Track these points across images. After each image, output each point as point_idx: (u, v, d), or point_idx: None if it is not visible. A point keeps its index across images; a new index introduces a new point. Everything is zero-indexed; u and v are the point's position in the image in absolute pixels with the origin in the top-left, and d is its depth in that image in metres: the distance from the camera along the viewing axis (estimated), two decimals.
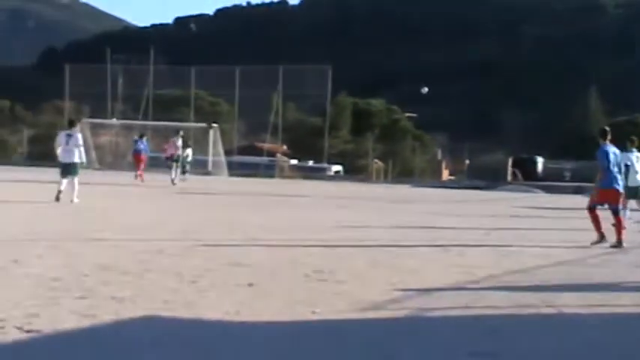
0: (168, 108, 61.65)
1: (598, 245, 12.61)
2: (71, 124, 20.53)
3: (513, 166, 53.06)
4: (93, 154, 46.65)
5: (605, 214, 12.97)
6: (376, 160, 59.37)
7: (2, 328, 5.35)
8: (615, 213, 12.82)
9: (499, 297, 7.67)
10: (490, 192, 40.97)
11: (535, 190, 42.83)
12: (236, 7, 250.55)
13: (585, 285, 8.88)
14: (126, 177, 34.61)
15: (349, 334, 5.85)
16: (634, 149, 18.11)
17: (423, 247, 11.97)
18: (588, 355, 5.70)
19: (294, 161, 61.35)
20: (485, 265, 9.98)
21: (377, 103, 75.29)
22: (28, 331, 5.32)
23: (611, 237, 12.73)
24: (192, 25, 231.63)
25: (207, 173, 47.84)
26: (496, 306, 7.18)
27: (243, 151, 63.79)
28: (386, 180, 54.78)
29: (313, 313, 6.41)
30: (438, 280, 8.53)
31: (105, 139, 57.87)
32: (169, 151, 33.29)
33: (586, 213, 13.12)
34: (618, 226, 12.81)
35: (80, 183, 18.98)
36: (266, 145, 62.62)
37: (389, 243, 12.21)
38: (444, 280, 8.55)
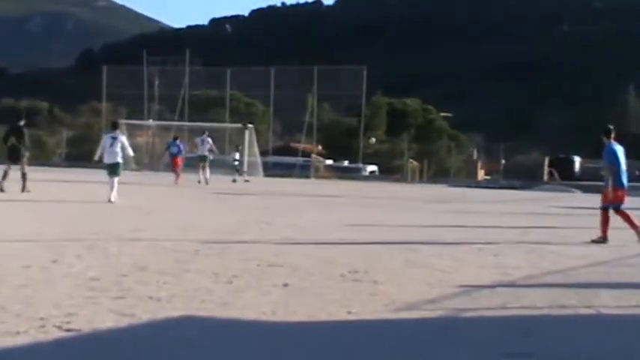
0: (203, 109, 62.01)
1: (604, 244, 12.76)
2: (114, 126, 21.03)
3: (550, 165, 52.68)
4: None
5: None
6: (411, 160, 59.17)
7: (43, 327, 5.43)
8: (617, 210, 13.10)
9: (535, 297, 7.61)
10: (526, 192, 40.70)
11: (572, 189, 42.49)
12: (271, 7, 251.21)
13: (623, 285, 8.79)
14: (162, 178, 34.89)
15: (384, 335, 5.85)
16: None
17: (459, 247, 11.93)
18: (626, 357, 5.64)
19: (329, 161, 61.38)
20: (521, 265, 9.91)
21: (412, 103, 74.97)
22: (67, 330, 5.39)
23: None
24: (228, 26, 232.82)
25: (243, 174, 48.05)
26: (532, 306, 7.13)
27: (278, 151, 63.95)
28: (421, 180, 54.59)
29: (348, 313, 6.42)
30: (473, 280, 8.49)
31: (141, 140, 58.31)
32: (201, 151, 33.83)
33: (616, 213, 13.20)
34: (630, 221, 13.08)
35: (118, 183, 19.35)
36: (301, 146, 62.68)
37: (424, 243, 12.17)
38: (479, 280, 8.51)
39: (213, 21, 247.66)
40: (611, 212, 13.13)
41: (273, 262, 9.22)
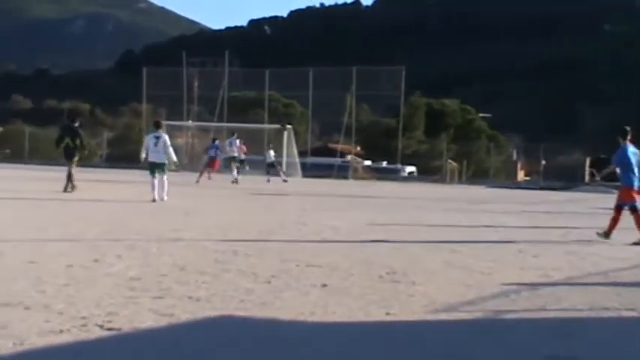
0: (242, 110, 62.27)
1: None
2: (157, 125, 21.32)
3: (591, 166, 52.05)
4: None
5: None
6: (450, 161, 58.86)
7: (85, 326, 5.50)
8: (634, 210, 13.23)
9: (577, 299, 7.53)
10: (567, 193, 40.28)
11: (614, 190, 41.84)
12: (310, 8, 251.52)
13: None
14: (201, 179, 35.10)
15: (423, 336, 5.83)
16: None
17: (498, 248, 11.85)
18: None
19: (367, 162, 61.27)
20: (561, 266, 9.82)
21: (451, 103, 74.56)
22: (108, 329, 5.46)
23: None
24: (267, 27, 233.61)
25: (281, 173, 48.18)
26: (573, 308, 7.06)
27: (316, 152, 63.99)
28: (460, 181, 54.31)
29: (387, 314, 6.41)
30: (513, 281, 8.43)
31: (181, 140, 58.75)
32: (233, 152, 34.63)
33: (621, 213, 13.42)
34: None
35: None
36: (339, 146, 62.66)
37: (463, 244, 12.10)
38: (519, 281, 8.44)
39: (252, 22, 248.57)
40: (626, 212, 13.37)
41: (312, 262, 9.23)
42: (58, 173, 21.61)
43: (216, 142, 36.16)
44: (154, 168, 20.01)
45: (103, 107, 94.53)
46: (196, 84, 63.29)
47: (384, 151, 62.26)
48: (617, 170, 13.78)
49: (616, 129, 14.04)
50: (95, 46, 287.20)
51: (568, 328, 6.28)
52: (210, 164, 34.77)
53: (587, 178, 49.99)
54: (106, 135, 67.27)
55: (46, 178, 29.83)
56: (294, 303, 6.68)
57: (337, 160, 57.57)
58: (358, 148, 67.11)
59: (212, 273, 8.15)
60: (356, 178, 51.88)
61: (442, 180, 53.53)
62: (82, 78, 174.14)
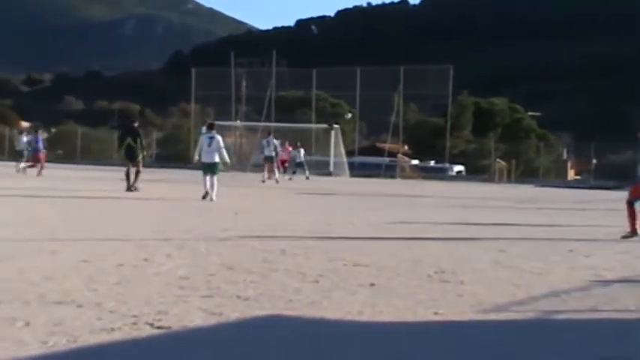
0: (290, 109, 62.56)
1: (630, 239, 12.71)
2: (210, 127, 21.59)
3: None
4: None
5: None
6: (499, 160, 58.40)
7: (135, 324, 5.56)
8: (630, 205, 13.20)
9: (629, 300, 7.41)
10: (619, 192, 39.62)
11: None
12: (356, 7, 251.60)
13: None
14: (250, 178, 35.33)
15: (472, 336, 5.79)
16: None
17: (548, 247, 11.71)
18: None
19: (415, 161, 61.10)
20: (613, 266, 9.67)
21: (499, 102, 74.01)
22: (158, 328, 5.51)
23: None
24: (314, 27, 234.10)
25: (329, 174, 48.27)
26: (625, 309, 6.95)
27: (364, 151, 63.99)
28: (509, 180, 53.84)
29: (435, 314, 6.37)
30: (563, 281, 8.32)
31: (229, 140, 59.14)
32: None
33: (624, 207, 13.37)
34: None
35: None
36: (387, 146, 62.56)
37: (512, 243, 11.99)
38: (570, 281, 8.33)
39: (300, 22, 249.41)
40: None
41: (359, 261, 9.22)
42: (109, 173, 21.97)
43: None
44: (207, 168, 20.28)
45: (153, 108, 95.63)
46: (244, 84, 63.69)
47: (431, 150, 62.07)
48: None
49: None
50: (145, 47, 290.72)
51: (620, 329, 6.18)
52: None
53: None
54: (155, 135, 68.04)
55: (98, 178, 30.24)
56: (342, 302, 6.68)
57: (385, 160, 57.51)
58: (406, 148, 66.96)
59: (260, 272, 8.19)
60: (403, 177, 51.77)
61: (490, 179, 53.14)
62: (132, 79, 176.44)
